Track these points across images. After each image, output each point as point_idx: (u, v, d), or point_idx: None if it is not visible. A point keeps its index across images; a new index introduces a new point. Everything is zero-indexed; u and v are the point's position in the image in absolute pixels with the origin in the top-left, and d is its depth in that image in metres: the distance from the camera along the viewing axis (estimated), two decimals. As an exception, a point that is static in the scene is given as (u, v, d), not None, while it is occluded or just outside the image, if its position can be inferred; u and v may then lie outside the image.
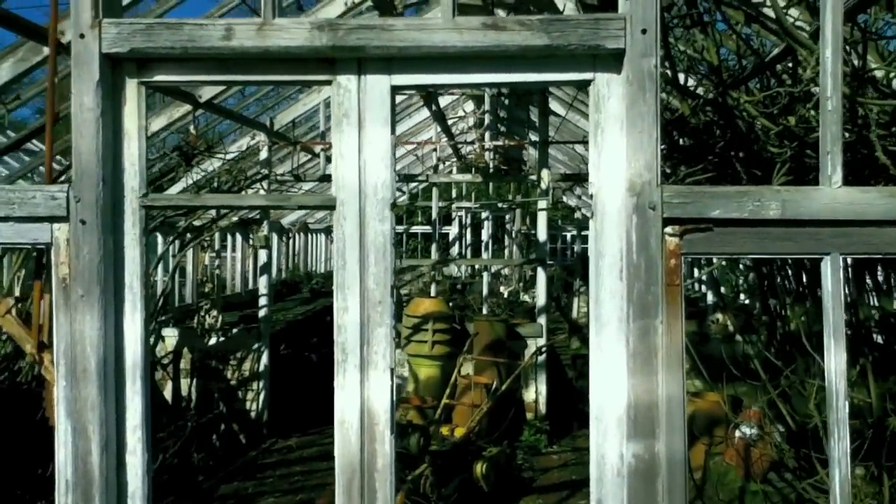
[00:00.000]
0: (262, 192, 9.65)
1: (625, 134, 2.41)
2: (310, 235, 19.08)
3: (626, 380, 2.44)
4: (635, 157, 2.39)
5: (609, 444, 2.54)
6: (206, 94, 7.06)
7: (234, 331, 9.75)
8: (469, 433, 7.02)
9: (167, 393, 9.39)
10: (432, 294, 9.85)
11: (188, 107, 7.11)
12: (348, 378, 2.54)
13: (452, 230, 22.68)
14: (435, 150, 10.67)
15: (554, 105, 10.94)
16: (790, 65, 4.30)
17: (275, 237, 16.45)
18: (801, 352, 7.00)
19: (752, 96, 4.16)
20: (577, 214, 20.60)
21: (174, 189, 8.50)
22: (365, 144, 2.52)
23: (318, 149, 9.81)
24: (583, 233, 23.02)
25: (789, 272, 7.57)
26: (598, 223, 2.48)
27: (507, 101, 12.51)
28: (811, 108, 3.87)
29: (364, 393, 2.54)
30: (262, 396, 9.61)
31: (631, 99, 2.38)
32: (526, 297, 16.59)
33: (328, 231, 20.57)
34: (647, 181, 2.38)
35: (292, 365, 11.94)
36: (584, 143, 9.86)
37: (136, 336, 2.58)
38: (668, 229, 2.41)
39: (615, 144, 2.44)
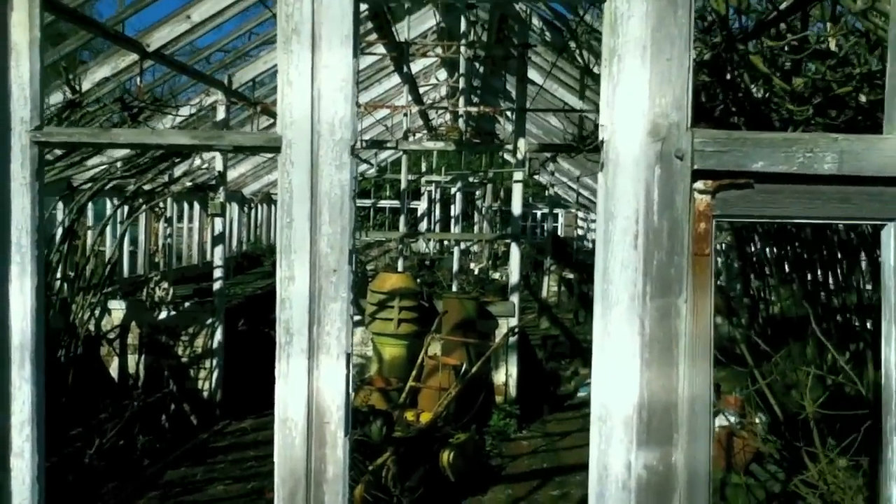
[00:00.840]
0: (216, 159, 9.02)
1: (648, 63, 1.90)
2: (272, 206, 18.37)
3: (639, 373, 1.96)
4: (661, 93, 1.89)
5: (614, 452, 2.05)
6: (154, 42, 6.40)
7: (187, 305, 9.13)
8: (436, 419, 6.56)
9: (113, 370, 8.77)
10: (399, 270, 9.33)
11: (135, 56, 6.45)
12: (293, 366, 2.02)
13: (421, 205, 22.13)
14: (406, 115, 10.10)
15: (532, 74, 10.43)
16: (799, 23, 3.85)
17: (235, 208, 15.77)
18: (793, 336, 6.64)
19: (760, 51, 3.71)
20: (550, 192, 20.18)
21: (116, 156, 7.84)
22: (319, 69, 1.98)
23: (276, 109, 9.13)
24: (554, 211, 22.65)
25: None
26: (609, 177, 1.97)
27: (481, 69, 11.96)
28: (832, 64, 3.42)
29: (312, 384, 2.02)
30: (215, 375, 9.04)
31: (658, 17, 1.88)
32: (496, 275, 16.17)
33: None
34: (675, 123, 1.89)
35: (250, 341, 11.34)
36: (564, 111, 9.37)
37: (25, 308, 2.03)
38: (699, 184, 1.92)
39: (635, 76, 1.93)
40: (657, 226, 1.93)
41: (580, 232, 24.12)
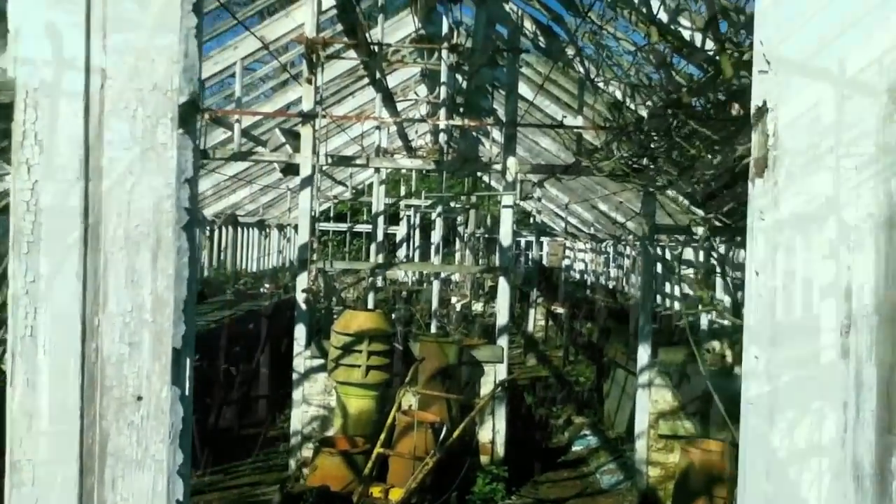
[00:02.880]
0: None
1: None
2: (239, 229, 17.08)
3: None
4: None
5: None
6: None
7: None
8: (409, 496, 5.30)
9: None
10: (370, 305, 8.09)
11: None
12: None
13: (400, 230, 20.88)
14: (379, 128, 8.97)
15: (521, 89, 9.35)
16: None
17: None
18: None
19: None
20: (537, 219, 19.07)
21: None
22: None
23: (233, 119, 7.98)
24: (540, 239, 21.54)
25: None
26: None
27: (465, 84, 10.85)
28: None
29: None
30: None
31: None
32: (478, 306, 14.95)
33: (261, 224, 18.59)
34: None
35: (204, 381, 10.06)
36: (563, 127, 8.24)
37: None
38: None
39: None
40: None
41: (566, 262, 23.01)
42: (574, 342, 12.89)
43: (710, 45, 4.89)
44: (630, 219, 11.00)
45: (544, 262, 23.76)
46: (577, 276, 22.08)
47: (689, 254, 13.32)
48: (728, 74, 3.99)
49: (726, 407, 7.13)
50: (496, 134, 13.20)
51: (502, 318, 7.66)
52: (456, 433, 5.57)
